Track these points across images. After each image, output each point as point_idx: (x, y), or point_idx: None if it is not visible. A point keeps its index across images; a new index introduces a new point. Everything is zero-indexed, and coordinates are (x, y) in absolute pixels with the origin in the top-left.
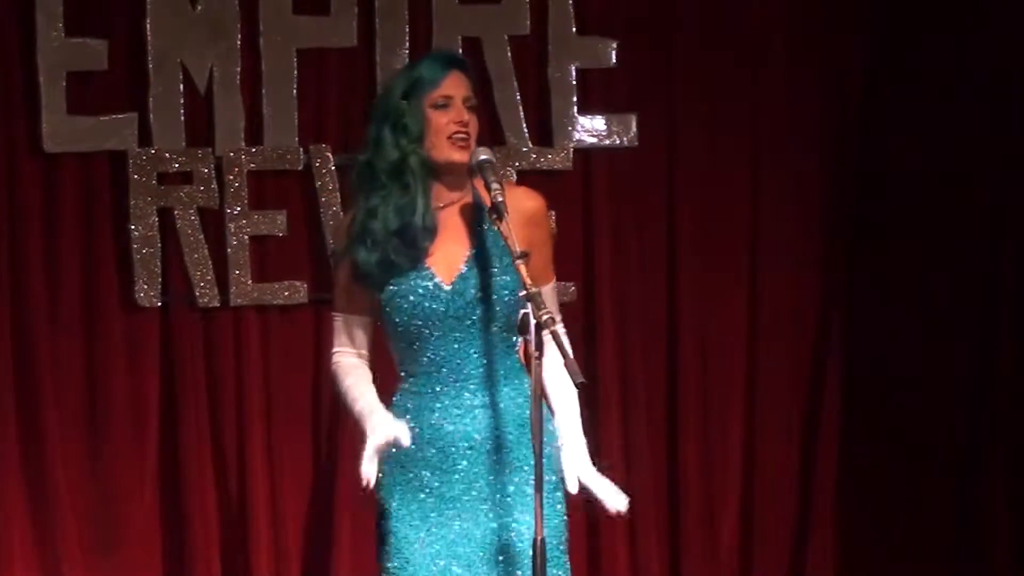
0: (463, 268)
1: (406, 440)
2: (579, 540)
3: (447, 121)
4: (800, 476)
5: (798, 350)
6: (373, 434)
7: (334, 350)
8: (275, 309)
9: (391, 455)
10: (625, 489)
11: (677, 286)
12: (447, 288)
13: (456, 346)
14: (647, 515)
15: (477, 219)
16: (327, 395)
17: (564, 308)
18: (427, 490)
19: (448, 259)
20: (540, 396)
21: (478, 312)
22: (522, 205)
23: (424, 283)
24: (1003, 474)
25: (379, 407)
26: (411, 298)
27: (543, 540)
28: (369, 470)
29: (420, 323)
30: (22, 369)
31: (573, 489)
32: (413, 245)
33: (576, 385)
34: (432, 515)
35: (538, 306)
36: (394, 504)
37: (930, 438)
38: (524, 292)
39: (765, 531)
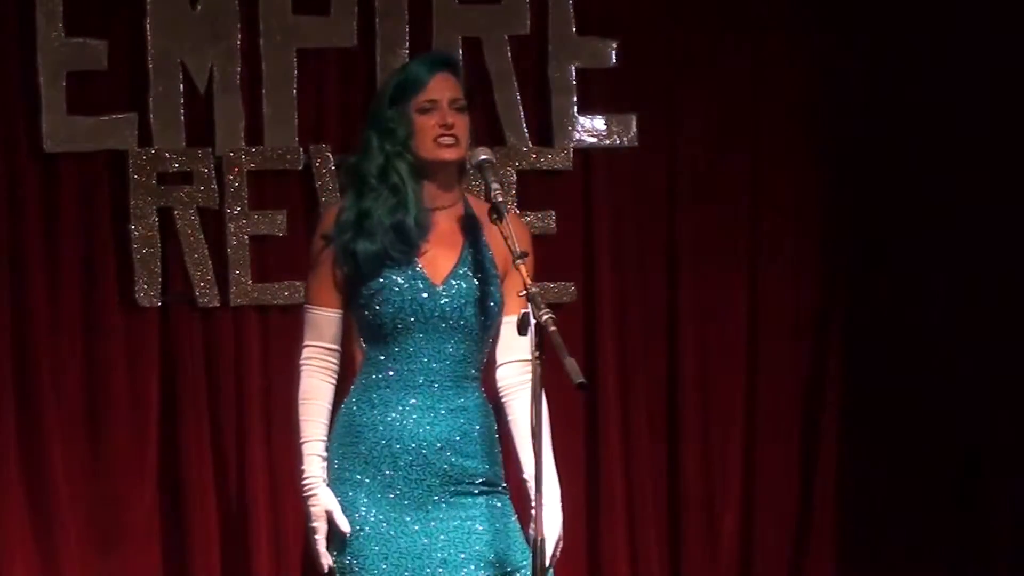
0: (453, 271)
1: (346, 528)
2: (579, 540)
3: (432, 124)
4: (800, 476)
5: (798, 350)
6: (319, 521)
7: (305, 343)
8: (275, 309)
9: (356, 452)
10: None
11: (677, 286)
12: (437, 287)
13: (433, 346)
14: (647, 515)
15: (467, 228)
16: None
17: (564, 308)
18: (395, 490)
19: (439, 260)
20: (540, 396)
21: (461, 316)
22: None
23: (415, 280)
24: (1003, 474)
25: (320, 482)
26: (401, 292)
27: (543, 540)
28: (326, 561)
29: (404, 319)
30: (22, 369)
31: (549, 562)
32: (407, 241)
33: (577, 386)
34: (393, 515)
35: (538, 306)
36: (362, 498)
37: (930, 438)
38: (524, 292)
39: (765, 531)
